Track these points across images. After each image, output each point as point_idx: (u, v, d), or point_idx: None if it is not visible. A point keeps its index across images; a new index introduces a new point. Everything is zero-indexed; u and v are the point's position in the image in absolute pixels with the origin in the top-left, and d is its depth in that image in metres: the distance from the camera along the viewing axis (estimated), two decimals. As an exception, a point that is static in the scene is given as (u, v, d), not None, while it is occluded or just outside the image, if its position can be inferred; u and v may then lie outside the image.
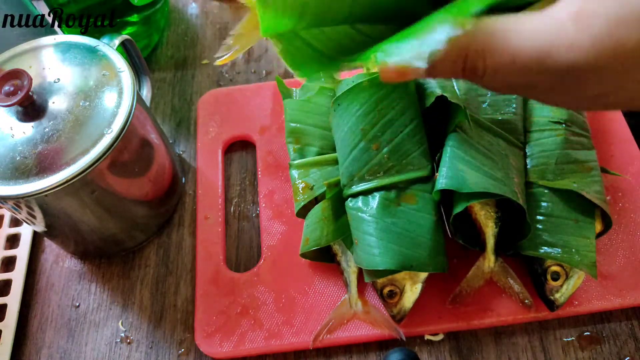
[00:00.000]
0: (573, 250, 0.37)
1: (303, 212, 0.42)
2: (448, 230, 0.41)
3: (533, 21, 0.24)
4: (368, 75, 0.39)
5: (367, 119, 0.38)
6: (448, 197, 0.38)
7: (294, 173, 0.44)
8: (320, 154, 0.44)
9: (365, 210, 0.38)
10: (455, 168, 0.36)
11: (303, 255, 0.42)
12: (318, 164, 0.44)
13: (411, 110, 0.39)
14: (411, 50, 0.23)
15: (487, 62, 0.25)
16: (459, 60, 0.25)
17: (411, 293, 0.39)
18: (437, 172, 0.38)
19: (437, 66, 0.26)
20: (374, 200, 0.38)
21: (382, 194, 0.38)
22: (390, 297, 0.39)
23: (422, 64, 0.23)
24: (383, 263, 0.37)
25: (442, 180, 0.36)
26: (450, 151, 0.37)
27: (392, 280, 0.39)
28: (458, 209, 0.37)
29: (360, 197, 0.39)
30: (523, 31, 0.24)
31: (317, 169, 0.43)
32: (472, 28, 0.24)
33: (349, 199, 0.39)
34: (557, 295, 0.38)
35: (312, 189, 0.43)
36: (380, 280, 0.39)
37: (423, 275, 0.39)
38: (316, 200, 0.42)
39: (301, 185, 0.43)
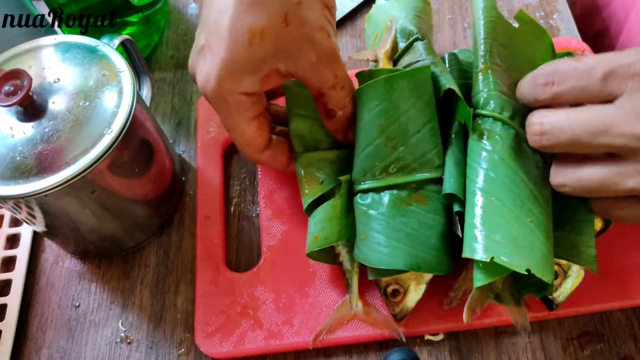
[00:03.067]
0: (572, 246, 0.37)
1: (311, 209, 0.41)
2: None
3: None
4: (388, 72, 0.38)
5: (385, 116, 0.38)
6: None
7: (301, 167, 0.42)
8: (329, 149, 0.42)
9: (376, 207, 0.38)
10: (456, 174, 0.36)
11: (310, 254, 0.40)
12: (328, 159, 0.42)
13: (428, 110, 0.38)
14: None
15: None
16: None
17: (415, 293, 0.39)
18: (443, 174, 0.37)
19: None
20: (385, 199, 0.37)
21: (394, 192, 0.37)
22: (393, 295, 0.39)
23: None
24: (391, 262, 0.36)
25: (445, 185, 0.36)
26: (452, 155, 0.37)
27: (397, 279, 0.38)
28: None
29: (371, 194, 0.38)
30: None
31: (327, 162, 0.42)
32: None
33: (359, 194, 0.39)
34: (555, 294, 0.38)
35: (322, 183, 0.41)
36: (384, 279, 0.39)
37: (428, 276, 0.38)
38: (323, 196, 0.41)
39: (309, 180, 0.41)
